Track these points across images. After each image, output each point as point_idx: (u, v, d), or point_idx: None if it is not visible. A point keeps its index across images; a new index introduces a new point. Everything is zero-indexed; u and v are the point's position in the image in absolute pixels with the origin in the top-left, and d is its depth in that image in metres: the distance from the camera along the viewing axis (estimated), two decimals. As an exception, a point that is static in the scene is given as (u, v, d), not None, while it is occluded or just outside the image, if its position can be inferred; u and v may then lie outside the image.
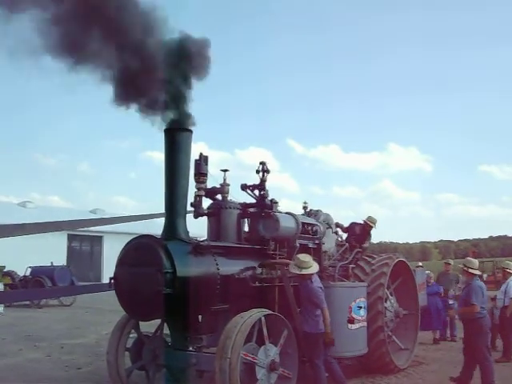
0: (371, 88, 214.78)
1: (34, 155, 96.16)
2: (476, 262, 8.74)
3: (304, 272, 7.35)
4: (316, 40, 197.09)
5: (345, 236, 10.73)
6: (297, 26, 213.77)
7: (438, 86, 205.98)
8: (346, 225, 10.88)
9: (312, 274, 7.43)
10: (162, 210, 7.12)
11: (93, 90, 6.56)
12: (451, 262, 14.83)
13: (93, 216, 40.22)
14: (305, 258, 7.48)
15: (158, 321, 7.05)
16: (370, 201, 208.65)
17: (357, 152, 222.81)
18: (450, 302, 13.38)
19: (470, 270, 8.45)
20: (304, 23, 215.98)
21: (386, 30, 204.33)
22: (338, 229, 10.58)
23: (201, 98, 7.04)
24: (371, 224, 10.82)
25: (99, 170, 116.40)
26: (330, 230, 10.04)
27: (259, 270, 7.64)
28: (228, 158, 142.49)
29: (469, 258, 8.89)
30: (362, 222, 10.88)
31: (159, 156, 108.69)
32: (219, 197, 8.01)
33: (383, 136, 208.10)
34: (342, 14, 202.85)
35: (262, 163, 8.04)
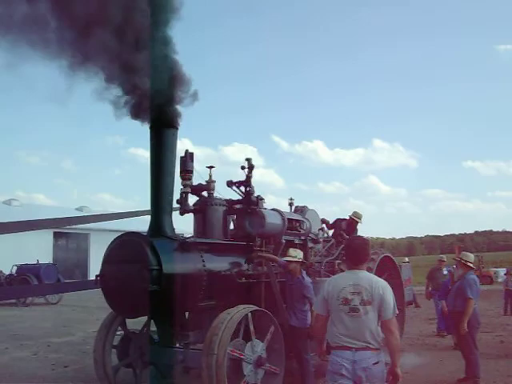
0: (355, 84, 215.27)
1: (17, 153, 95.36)
2: (472, 255, 8.91)
3: (286, 258, 7.51)
4: (300, 36, 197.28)
5: (331, 232, 10.77)
6: (281, 24, 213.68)
7: (422, 82, 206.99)
8: (331, 221, 10.92)
9: (298, 266, 7.57)
10: (148, 207, 7.11)
11: (78, 87, 6.51)
12: (444, 258, 14.81)
13: (79, 214, 40.01)
14: (292, 252, 7.66)
15: (145, 318, 7.05)
16: (356, 196, 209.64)
17: (341, 148, 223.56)
18: None
19: (468, 264, 8.64)
20: (288, 21, 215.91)
21: (369, 25, 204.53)
22: (324, 225, 10.63)
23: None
24: (357, 219, 10.89)
25: (83, 167, 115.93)
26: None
27: (245, 266, 7.66)
28: (212, 154, 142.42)
29: (465, 252, 9.01)
30: (347, 218, 10.94)
31: (143, 153, 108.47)
32: (205, 193, 8.00)
33: (367, 132, 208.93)
34: (324, 11, 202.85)
35: (248, 160, 8.04)
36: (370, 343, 4.33)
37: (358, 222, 10.94)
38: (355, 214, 10.97)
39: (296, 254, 7.62)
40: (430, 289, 13.97)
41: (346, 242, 5.66)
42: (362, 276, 4.53)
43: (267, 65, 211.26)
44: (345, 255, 5.37)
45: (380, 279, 4.61)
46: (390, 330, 4.38)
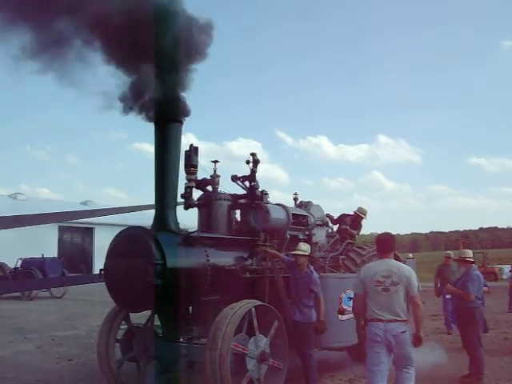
0: (359, 80, 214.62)
1: (22, 147, 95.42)
2: (470, 251, 8.97)
3: (295, 252, 7.53)
4: (304, 28, 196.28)
5: (335, 227, 10.75)
6: (284, 13, 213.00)
7: (427, 78, 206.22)
8: (336, 216, 10.90)
9: (307, 261, 7.61)
10: (152, 201, 7.10)
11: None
12: (452, 254, 14.58)
13: (84, 208, 40.08)
14: (304, 244, 7.75)
15: (149, 312, 7.05)
16: (361, 192, 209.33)
17: (346, 144, 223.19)
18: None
19: (468, 259, 8.67)
20: (291, 11, 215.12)
21: (372, 15, 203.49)
22: (328, 219, 10.60)
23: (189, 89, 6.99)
24: (362, 215, 10.87)
25: (87, 162, 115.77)
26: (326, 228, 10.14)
27: (250, 261, 7.66)
28: (216, 148, 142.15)
29: (463, 249, 9.02)
30: (352, 213, 10.93)
31: (148, 148, 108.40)
32: (209, 188, 8.00)
33: (372, 128, 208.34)
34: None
35: (253, 154, 8.03)
36: (398, 315, 5.56)
37: (362, 218, 10.93)
38: (360, 209, 10.96)
39: (306, 249, 7.61)
40: (439, 285, 13.85)
41: (377, 237, 6.40)
42: (390, 263, 5.81)
43: (271, 58, 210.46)
44: (376, 247, 6.38)
45: (405, 265, 5.97)
46: (416, 303, 5.65)
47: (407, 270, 5.72)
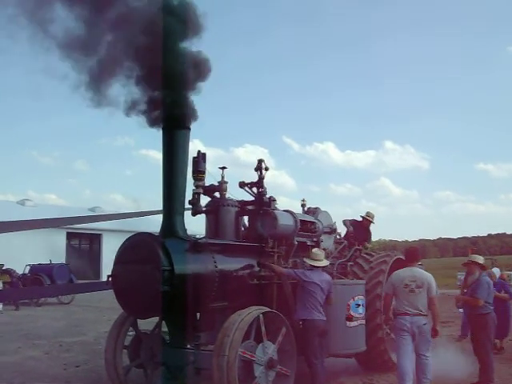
0: (365, 86, 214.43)
1: (30, 153, 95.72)
2: (481, 257, 8.94)
3: (316, 264, 7.65)
4: (309, 33, 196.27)
5: (343, 234, 10.75)
6: (291, 18, 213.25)
7: (434, 84, 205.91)
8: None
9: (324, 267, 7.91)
10: (159, 208, 7.11)
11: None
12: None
13: (92, 214, 40.19)
14: (317, 251, 7.89)
15: (156, 318, 7.05)
16: (368, 198, 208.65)
17: (352, 150, 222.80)
18: None
19: (479, 261, 8.67)
20: (298, 16, 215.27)
21: (379, 22, 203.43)
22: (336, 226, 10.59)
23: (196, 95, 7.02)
24: (370, 219, 10.88)
25: (94, 168, 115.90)
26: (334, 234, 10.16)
27: (257, 268, 7.63)
28: (223, 155, 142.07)
29: (474, 255, 9.01)
30: (360, 220, 10.94)
31: (154, 154, 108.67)
32: (217, 194, 8.00)
33: (378, 134, 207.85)
34: (337, 3, 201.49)
35: (260, 161, 8.03)
36: (421, 311, 7.11)
37: (371, 222, 10.94)
38: (368, 213, 10.98)
39: (322, 258, 7.79)
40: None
41: (405, 249, 8.36)
42: (415, 270, 7.39)
43: (277, 64, 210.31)
44: (404, 257, 8.07)
45: (427, 272, 7.52)
46: (434, 303, 7.19)
47: (428, 277, 7.31)
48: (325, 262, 7.89)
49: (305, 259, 7.98)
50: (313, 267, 7.66)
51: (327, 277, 7.77)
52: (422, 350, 7.13)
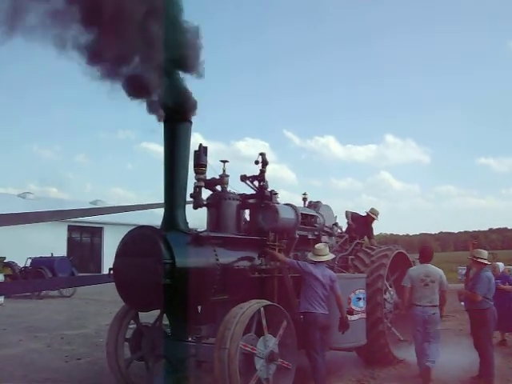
0: (366, 79, 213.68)
1: (30, 146, 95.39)
2: (485, 252, 8.91)
3: (319, 259, 7.70)
4: (310, 28, 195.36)
5: (344, 228, 10.75)
6: (292, 13, 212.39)
7: (434, 78, 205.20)
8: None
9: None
10: (160, 200, 7.11)
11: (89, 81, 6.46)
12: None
13: (93, 207, 40.21)
14: (320, 246, 7.96)
15: (158, 311, 7.07)
16: (369, 192, 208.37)
17: (353, 144, 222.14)
18: None
19: (480, 260, 8.63)
20: (299, 10, 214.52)
21: (380, 16, 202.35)
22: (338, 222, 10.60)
23: (195, 88, 6.98)
24: (374, 216, 10.91)
25: (95, 161, 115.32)
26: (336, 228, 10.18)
27: (259, 261, 7.65)
28: (224, 148, 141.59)
29: (478, 249, 9.02)
30: (364, 215, 10.98)
31: (155, 148, 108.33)
32: (219, 188, 8.00)
33: (379, 128, 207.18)
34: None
35: (262, 154, 8.03)
36: (432, 302, 8.26)
37: (374, 219, 10.98)
38: (372, 210, 11.02)
39: (326, 253, 7.85)
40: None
41: (420, 248, 9.16)
42: (429, 267, 8.56)
43: (277, 57, 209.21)
44: (419, 256, 8.93)
45: (439, 269, 8.63)
46: (444, 295, 8.42)
47: (440, 272, 8.50)
48: (329, 256, 7.94)
49: (308, 255, 8.01)
50: (316, 262, 7.69)
51: (330, 272, 7.79)
52: (430, 336, 8.23)
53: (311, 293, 7.46)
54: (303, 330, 7.37)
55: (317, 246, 8.00)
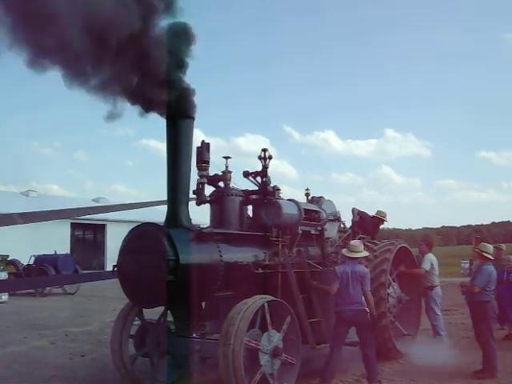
0: (365, 74, 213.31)
1: (31, 143, 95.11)
2: (491, 247, 8.91)
3: (352, 255, 7.77)
4: (311, 25, 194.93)
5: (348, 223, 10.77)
6: (292, 10, 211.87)
7: (433, 72, 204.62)
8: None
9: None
10: (162, 198, 7.13)
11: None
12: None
13: (96, 205, 40.24)
14: (355, 243, 8.08)
15: (162, 308, 7.08)
16: (370, 187, 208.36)
17: (353, 139, 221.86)
18: None
19: (484, 254, 8.62)
20: (299, 7, 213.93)
21: (379, 12, 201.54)
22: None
23: (194, 84, 6.98)
24: (383, 218, 10.96)
25: (96, 158, 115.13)
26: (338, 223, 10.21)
27: (262, 257, 7.66)
28: (224, 144, 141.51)
29: (484, 243, 8.99)
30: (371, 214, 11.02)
31: (155, 144, 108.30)
32: (221, 184, 8.01)
33: (379, 122, 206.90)
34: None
35: (264, 150, 8.03)
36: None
37: (383, 221, 11.04)
38: (380, 212, 11.04)
39: (360, 250, 7.94)
40: None
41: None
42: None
43: (277, 54, 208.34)
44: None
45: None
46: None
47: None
48: (363, 253, 8.05)
49: (342, 251, 8.17)
50: (348, 258, 7.77)
51: (361, 268, 7.80)
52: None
53: (340, 289, 7.57)
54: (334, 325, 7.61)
55: (352, 242, 8.14)
